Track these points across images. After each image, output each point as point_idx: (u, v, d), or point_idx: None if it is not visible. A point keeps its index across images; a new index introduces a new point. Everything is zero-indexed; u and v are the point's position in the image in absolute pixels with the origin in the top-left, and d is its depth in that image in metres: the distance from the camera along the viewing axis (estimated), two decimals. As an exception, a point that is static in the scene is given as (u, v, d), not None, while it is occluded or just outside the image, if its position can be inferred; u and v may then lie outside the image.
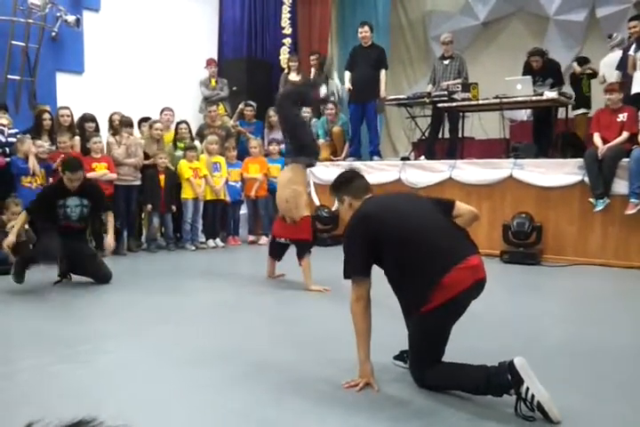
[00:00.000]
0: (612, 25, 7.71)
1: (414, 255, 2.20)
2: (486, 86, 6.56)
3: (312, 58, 8.11)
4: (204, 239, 6.73)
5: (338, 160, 7.46)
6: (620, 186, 5.31)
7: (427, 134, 7.45)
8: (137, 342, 2.97)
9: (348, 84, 7.38)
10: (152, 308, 3.76)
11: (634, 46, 5.94)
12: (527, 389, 1.93)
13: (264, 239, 6.93)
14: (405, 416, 2.04)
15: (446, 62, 7.29)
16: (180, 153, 6.74)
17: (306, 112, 7.17)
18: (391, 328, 2.43)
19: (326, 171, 7.00)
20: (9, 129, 5.59)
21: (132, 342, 2.98)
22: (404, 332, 2.30)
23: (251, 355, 2.73)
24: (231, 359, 2.66)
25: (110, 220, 4.72)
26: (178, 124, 6.94)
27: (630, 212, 5.20)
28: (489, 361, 2.09)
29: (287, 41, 9.24)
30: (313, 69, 8.09)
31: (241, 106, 7.82)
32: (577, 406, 2.10)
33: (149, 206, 6.29)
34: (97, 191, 4.72)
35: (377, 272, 2.31)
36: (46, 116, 5.89)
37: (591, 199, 5.43)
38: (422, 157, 7.02)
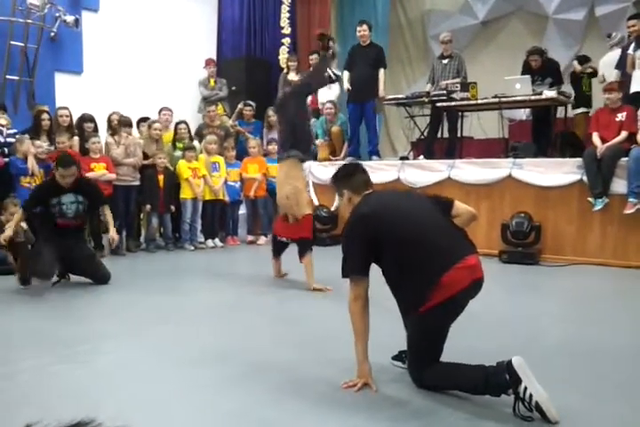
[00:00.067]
0: (612, 24, 7.71)
1: (413, 254, 2.20)
2: (485, 86, 6.55)
3: (311, 58, 8.09)
4: (202, 239, 6.72)
5: (337, 160, 7.45)
6: (619, 185, 5.31)
7: (425, 134, 7.44)
8: (136, 343, 2.97)
9: (346, 84, 7.37)
10: (151, 308, 3.76)
11: (633, 45, 5.94)
12: (525, 388, 1.94)
13: (263, 239, 6.94)
14: (404, 416, 2.04)
15: (445, 61, 7.28)
16: (178, 153, 6.74)
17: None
18: (389, 328, 2.43)
19: (325, 171, 7.00)
20: (8, 129, 5.60)
21: (132, 342, 2.98)
22: (403, 332, 2.30)
23: (250, 355, 2.73)
24: (231, 359, 2.66)
25: (108, 213, 4.69)
26: (177, 124, 6.94)
27: (629, 211, 5.20)
28: (487, 361, 2.10)
29: (286, 40, 9.25)
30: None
31: (240, 106, 7.81)
32: (575, 406, 2.10)
33: (148, 206, 6.28)
34: (92, 187, 4.68)
35: (377, 272, 2.31)
36: (45, 116, 5.88)
37: (590, 199, 5.43)
38: (421, 157, 7.00)
